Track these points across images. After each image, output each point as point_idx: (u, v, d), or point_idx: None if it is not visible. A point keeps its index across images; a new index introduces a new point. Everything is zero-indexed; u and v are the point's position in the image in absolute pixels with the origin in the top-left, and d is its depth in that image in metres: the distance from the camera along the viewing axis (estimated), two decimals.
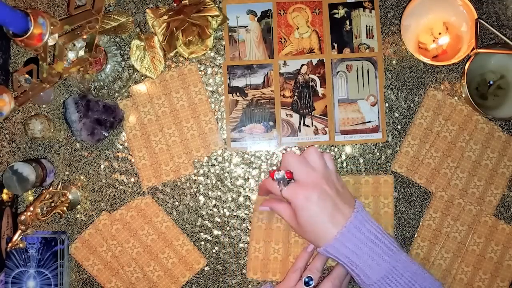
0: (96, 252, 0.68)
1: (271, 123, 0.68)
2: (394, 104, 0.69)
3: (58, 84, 0.68)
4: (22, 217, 0.59)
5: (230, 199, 0.68)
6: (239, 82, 0.69)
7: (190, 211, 0.69)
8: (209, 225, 0.69)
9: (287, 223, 0.62)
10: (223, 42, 0.69)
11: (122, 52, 0.66)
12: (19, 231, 0.60)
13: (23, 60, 0.68)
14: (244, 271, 0.69)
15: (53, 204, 0.64)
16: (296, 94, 0.69)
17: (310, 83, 0.69)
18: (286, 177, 0.57)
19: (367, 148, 0.69)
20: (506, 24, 0.69)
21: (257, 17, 0.69)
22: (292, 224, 0.59)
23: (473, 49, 0.64)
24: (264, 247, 0.67)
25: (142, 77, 0.68)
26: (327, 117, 0.68)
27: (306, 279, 0.61)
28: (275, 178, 0.58)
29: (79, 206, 0.68)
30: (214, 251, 0.69)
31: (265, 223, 0.67)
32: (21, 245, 0.61)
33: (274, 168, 0.68)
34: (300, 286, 0.61)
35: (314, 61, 0.69)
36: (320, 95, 0.69)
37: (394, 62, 0.69)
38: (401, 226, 0.68)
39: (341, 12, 0.69)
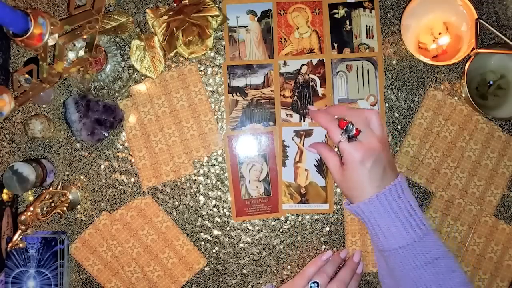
0: (96, 252, 0.68)
1: (271, 123, 0.68)
2: (394, 104, 0.69)
3: (58, 84, 0.68)
4: (22, 217, 0.59)
5: (230, 199, 0.68)
6: (239, 82, 0.69)
7: (190, 211, 0.69)
8: (209, 225, 0.69)
9: (329, 171, 0.64)
10: (223, 42, 0.69)
11: (122, 52, 0.66)
12: (19, 231, 0.60)
13: (23, 60, 0.68)
14: (244, 271, 0.69)
15: (53, 204, 0.64)
16: (296, 94, 0.69)
17: (310, 83, 0.69)
18: (354, 133, 0.58)
19: None
20: (506, 24, 0.69)
21: (257, 17, 0.69)
22: (336, 175, 0.60)
23: (473, 49, 0.64)
24: (360, 239, 0.67)
25: (142, 77, 0.68)
26: None
27: (312, 285, 0.62)
28: (344, 128, 0.58)
29: (79, 206, 0.68)
30: (214, 251, 0.69)
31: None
32: (21, 245, 0.61)
33: None
34: None
35: (314, 61, 0.69)
36: (320, 95, 0.69)
37: (394, 62, 0.69)
38: None
39: (341, 12, 0.69)
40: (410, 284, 0.56)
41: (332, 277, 0.64)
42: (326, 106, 0.68)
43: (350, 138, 0.58)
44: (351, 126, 0.58)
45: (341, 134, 0.58)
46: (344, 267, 0.65)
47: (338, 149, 0.60)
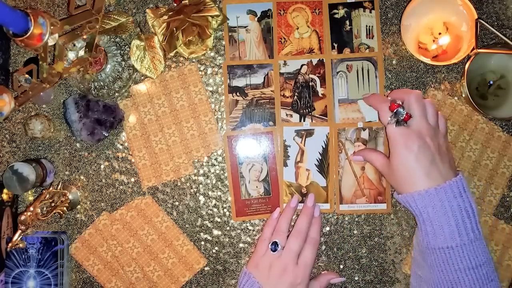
0: (96, 252, 0.68)
1: (271, 123, 0.68)
2: None
3: (58, 84, 0.68)
4: (22, 217, 0.59)
5: (230, 199, 0.68)
6: (239, 82, 0.69)
7: (190, 211, 0.69)
8: (209, 225, 0.69)
9: (378, 170, 0.64)
10: (223, 42, 0.69)
11: (122, 52, 0.66)
12: (19, 231, 0.60)
13: (23, 60, 0.68)
14: None
15: (53, 204, 0.64)
16: (296, 94, 0.68)
17: (310, 83, 0.69)
18: (403, 118, 0.57)
19: None
20: (506, 24, 0.69)
21: (257, 17, 0.69)
22: (383, 169, 0.61)
23: (473, 49, 0.64)
24: None
25: (142, 77, 0.68)
26: (327, 117, 0.68)
27: (272, 247, 0.62)
28: (394, 111, 0.58)
29: (79, 206, 0.68)
30: (214, 251, 0.69)
31: None
32: (21, 245, 0.61)
33: None
34: (269, 254, 0.62)
35: (314, 61, 0.69)
36: (320, 95, 0.69)
37: (394, 62, 0.69)
38: (400, 226, 0.68)
39: (341, 12, 0.69)
40: (446, 285, 0.55)
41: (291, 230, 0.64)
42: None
43: (398, 122, 0.57)
44: (401, 110, 0.57)
45: (390, 117, 0.58)
46: (299, 215, 0.65)
47: (385, 131, 0.60)
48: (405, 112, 0.57)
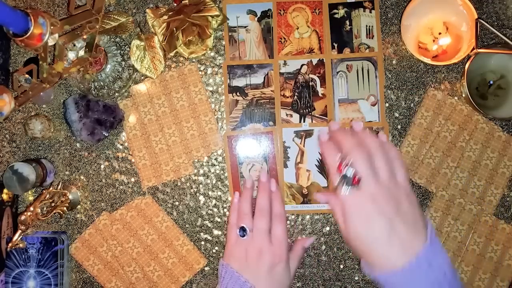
0: (96, 252, 0.68)
1: (271, 123, 0.68)
2: (394, 104, 0.69)
3: (58, 84, 0.68)
4: (22, 217, 0.59)
5: (230, 199, 0.68)
6: (239, 82, 0.69)
7: (190, 211, 0.69)
8: (209, 225, 0.69)
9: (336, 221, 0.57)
10: (223, 42, 0.69)
11: (122, 52, 0.66)
12: (19, 231, 0.60)
13: (23, 60, 0.68)
14: None
15: (53, 204, 0.64)
16: (296, 94, 0.69)
17: (310, 83, 0.69)
18: (352, 182, 0.48)
19: None
20: (506, 24, 0.69)
21: (257, 17, 0.69)
22: (341, 227, 0.51)
23: (473, 49, 0.64)
24: None
25: (142, 77, 0.68)
26: (327, 117, 0.68)
27: (240, 232, 0.61)
28: (342, 173, 0.49)
29: (79, 206, 0.68)
30: (214, 251, 0.69)
31: None
32: (21, 245, 0.61)
33: None
34: (240, 240, 0.61)
35: (314, 61, 0.69)
36: (320, 95, 0.69)
37: (394, 62, 0.69)
38: None
39: (341, 12, 0.69)
40: None
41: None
42: (329, 121, 0.62)
43: (348, 186, 0.48)
44: (350, 172, 0.48)
45: (339, 180, 0.49)
46: (257, 193, 0.64)
47: None
48: (352, 176, 0.48)
